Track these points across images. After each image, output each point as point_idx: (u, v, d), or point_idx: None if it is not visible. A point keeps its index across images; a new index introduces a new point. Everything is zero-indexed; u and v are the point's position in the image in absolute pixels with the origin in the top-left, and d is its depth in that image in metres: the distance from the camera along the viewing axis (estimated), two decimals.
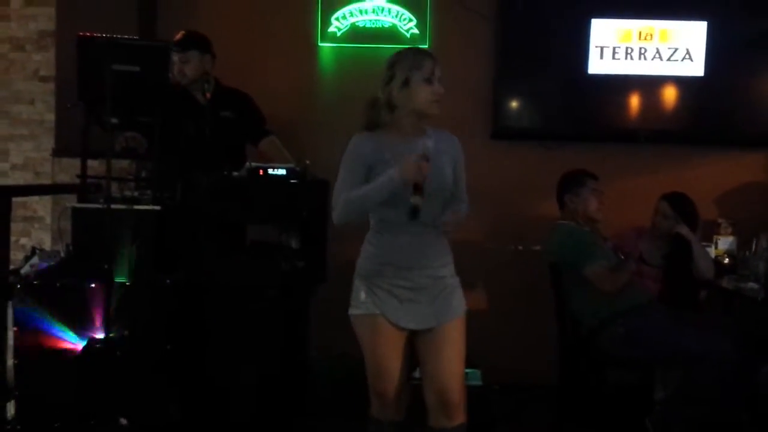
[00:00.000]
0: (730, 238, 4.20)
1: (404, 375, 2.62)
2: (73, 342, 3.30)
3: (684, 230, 3.68)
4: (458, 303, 2.63)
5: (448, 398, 2.56)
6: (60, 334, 3.29)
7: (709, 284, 3.86)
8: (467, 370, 3.10)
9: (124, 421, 3.31)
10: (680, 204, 3.79)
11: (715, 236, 4.24)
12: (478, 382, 3.47)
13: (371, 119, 2.63)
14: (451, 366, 2.57)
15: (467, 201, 2.73)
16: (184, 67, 3.77)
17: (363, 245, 2.67)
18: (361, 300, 2.60)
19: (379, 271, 2.58)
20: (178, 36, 3.80)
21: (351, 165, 2.58)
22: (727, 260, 4.06)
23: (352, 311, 2.63)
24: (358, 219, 2.59)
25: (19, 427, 3.29)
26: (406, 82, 2.53)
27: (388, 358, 2.59)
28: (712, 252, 4.11)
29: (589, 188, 3.71)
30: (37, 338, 3.27)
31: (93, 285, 3.27)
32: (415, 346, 2.63)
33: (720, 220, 4.28)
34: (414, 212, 2.41)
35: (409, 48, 2.74)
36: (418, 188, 2.41)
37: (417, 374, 2.68)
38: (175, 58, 3.75)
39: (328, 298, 3.82)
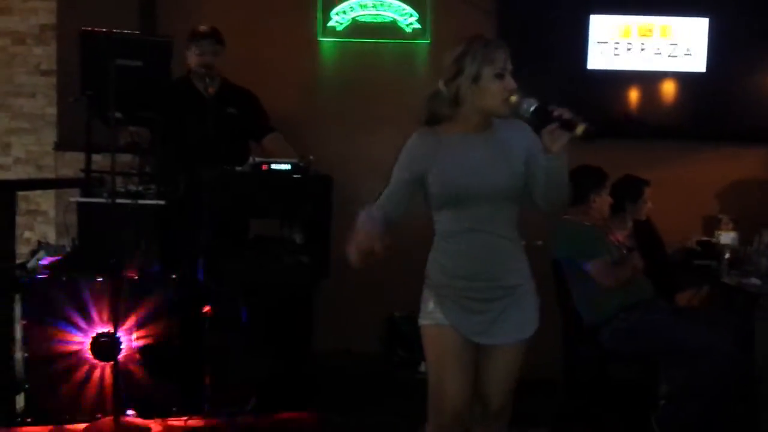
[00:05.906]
0: (732, 234, 4.21)
1: (466, 394, 2.39)
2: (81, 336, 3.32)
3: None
4: (530, 320, 2.43)
5: (491, 410, 2.47)
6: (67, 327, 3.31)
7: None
8: None
9: (131, 412, 3.34)
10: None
11: (716, 231, 4.25)
12: None
13: (432, 113, 2.38)
14: (503, 385, 2.45)
15: None
16: (215, 59, 3.75)
17: (431, 252, 2.46)
18: (429, 310, 2.42)
19: (449, 283, 2.39)
20: (210, 29, 3.78)
21: (396, 169, 2.41)
22: (728, 255, 4.07)
23: (420, 321, 2.45)
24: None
25: (29, 419, 3.31)
26: (476, 78, 2.29)
27: (451, 370, 2.37)
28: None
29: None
30: (45, 331, 3.29)
31: (100, 279, 3.29)
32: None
33: (721, 216, 4.29)
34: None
35: (477, 38, 2.36)
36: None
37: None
38: (208, 48, 3.72)
39: (332, 294, 3.84)
